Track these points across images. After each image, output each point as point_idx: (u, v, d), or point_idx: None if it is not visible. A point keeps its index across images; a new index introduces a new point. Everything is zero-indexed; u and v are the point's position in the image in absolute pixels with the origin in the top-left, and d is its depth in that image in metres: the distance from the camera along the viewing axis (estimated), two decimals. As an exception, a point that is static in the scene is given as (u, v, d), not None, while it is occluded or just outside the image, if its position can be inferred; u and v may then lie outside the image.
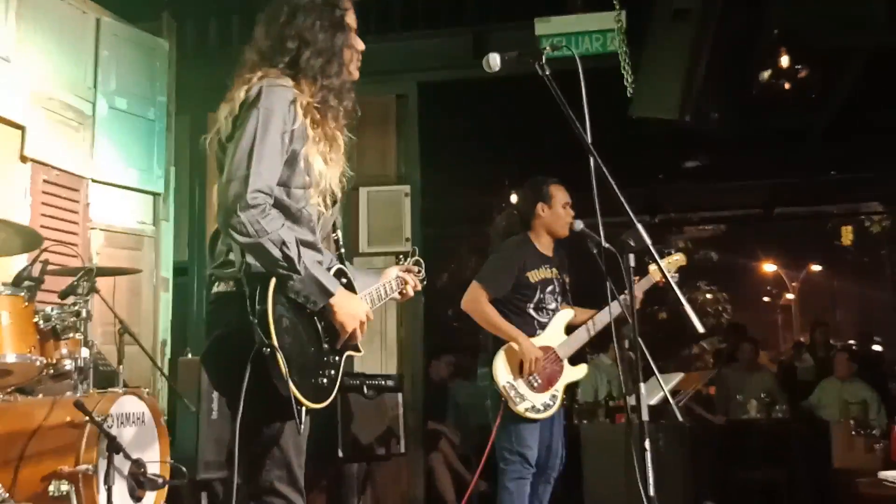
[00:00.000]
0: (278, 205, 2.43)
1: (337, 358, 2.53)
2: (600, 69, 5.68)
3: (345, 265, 2.68)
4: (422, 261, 3.02)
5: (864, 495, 4.22)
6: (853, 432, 6.30)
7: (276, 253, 2.33)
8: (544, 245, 4.56)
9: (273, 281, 2.35)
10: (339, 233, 2.75)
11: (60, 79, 6.04)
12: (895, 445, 5.16)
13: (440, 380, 7.79)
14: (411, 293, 2.89)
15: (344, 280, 2.61)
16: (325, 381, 2.47)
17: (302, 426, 2.40)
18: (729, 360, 8.78)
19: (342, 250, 2.74)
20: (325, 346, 2.49)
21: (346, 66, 2.60)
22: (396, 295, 2.86)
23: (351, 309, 2.49)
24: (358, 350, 2.60)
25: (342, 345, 2.53)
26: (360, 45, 2.66)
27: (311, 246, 2.49)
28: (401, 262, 2.96)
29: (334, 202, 2.63)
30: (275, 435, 2.43)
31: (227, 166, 2.41)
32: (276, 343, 2.29)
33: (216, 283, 2.50)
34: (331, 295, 2.43)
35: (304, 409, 2.38)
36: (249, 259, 2.37)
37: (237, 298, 2.37)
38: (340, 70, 2.57)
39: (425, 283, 3.02)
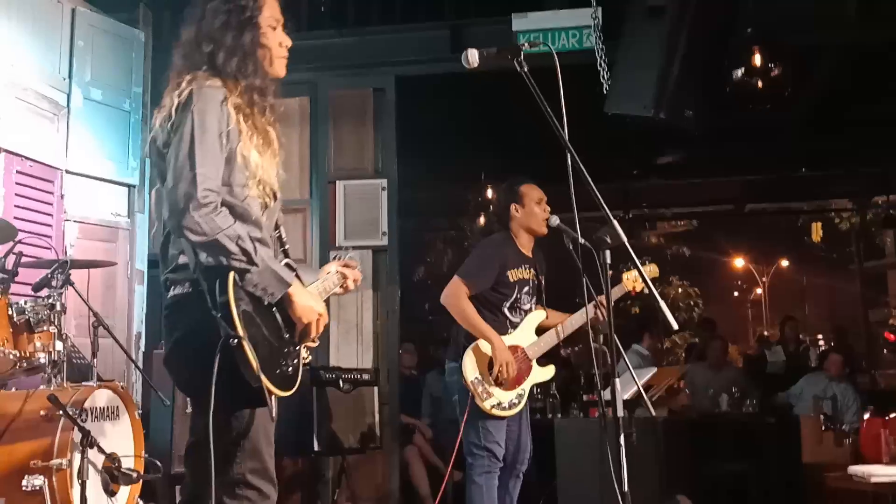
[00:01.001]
0: (224, 203, 2.45)
1: (297, 348, 2.57)
2: (576, 65, 5.69)
3: (292, 263, 2.71)
4: (356, 255, 3.10)
5: (834, 489, 4.27)
6: (822, 427, 6.36)
7: (233, 247, 2.36)
8: (524, 244, 4.56)
9: (232, 274, 2.36)
10: (283, 230, 2.77)
11: (35, 68, 5.96)
12: (864, 440, 5.22)
13: (408, 370, 7.78)
14: (352, 286, 2.92)
15: (295, 274, 2.64)
16: (289, 369, 2.50)
17: (274, 412, 2.43)
18: (700, 356, 8.85)
19: (286, 246, 2.77)
20: (286, 336, 2.53)
21: (263, 64, 2.60)
22: (338, 290, 2.89)
23: (308, 301, 2.53)
24: (314, 342, 2.63)
25: (300, 336, 2.56)
26: (277, 41, 2.66)
27: (261, 242, 2.50)
28: (338, 258, 2.98)
29: (275, 197, 2.65)
30: (244, 427, 2.45)
31: (170, 171, 2.43)
32: (242, 333, 2.30)
33: (172, 288, 2.49)
34: (288, 286, 2.46)
35: (273, 397, 2.40)
36: (202, 257, 2.38)
37: (194, 299, 2.39)
38: (257, 68, 2.58)
39: (362, 275, 3.04)
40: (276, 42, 2.64)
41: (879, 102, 7.94)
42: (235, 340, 2.28)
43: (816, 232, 19.35)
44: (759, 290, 26.58)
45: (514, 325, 4.48)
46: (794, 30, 6.15)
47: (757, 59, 5.54)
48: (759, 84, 5.57)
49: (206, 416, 2.31)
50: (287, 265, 2.62)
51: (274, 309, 2.49)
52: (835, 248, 20.79)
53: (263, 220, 2.57)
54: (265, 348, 2.40)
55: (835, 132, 8.86)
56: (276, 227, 2.73)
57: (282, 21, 2.66)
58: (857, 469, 3.60)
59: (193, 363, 2.38)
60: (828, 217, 18.10)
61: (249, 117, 2.53)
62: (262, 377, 2.32)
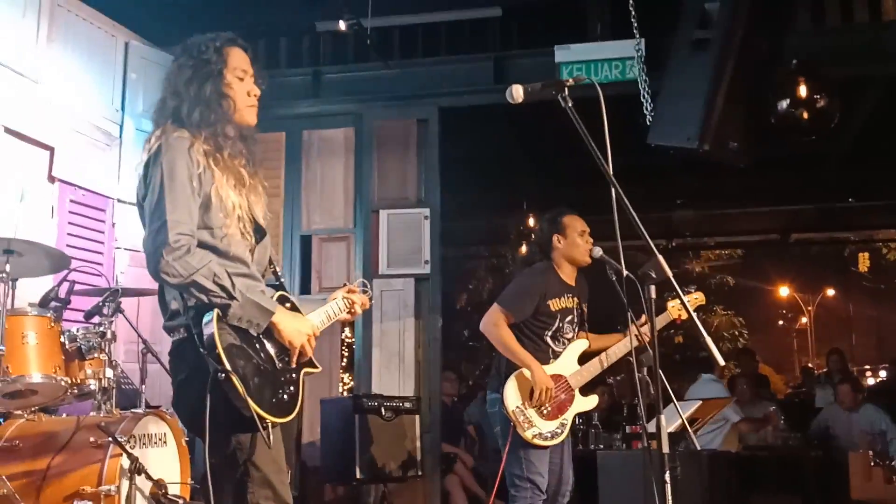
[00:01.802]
0: (206, 246, 2.52)
1: (294, 375, 2.61)
2: (619, 96, 5.68)
3: (287, 294, 2.76)
4: (367, 282, 3.14)
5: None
6: (871, 463, 6.20)
7: (210, 285, 2.43)
8: (566, 274, 4.54)
9: (215, 311, 2.43)
10: (277, 266, 2.85)
11: (89, 100, 6.11)
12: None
13: (450, 398, 7.75)
14: (359, 311, 2.98)
15: (288, 304, 2.71)
16: (286, 397, 2.54)
17: (271, 439, 2.46)
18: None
19: (282, 280, 2.84)
20: (280, 364, 2.57)
21: (227, 113, 2.66)
22: (346, 315, 2.94)
23: (294, 325, 2.58)
24: (315, 366, 2.68)
25: (297, 362, 2.61)
26: (244, 91, 2.71)
27: (247, 276, 2.58)
28: (346, 285, 3.02)
29: (262, 235, 2.71)
30: (249, 457, 2.49)
31: (146, 221, 2.52)
32: (228, 367, 2.36)
33: (171, 335, 2.58)
34: (271, 314, 2.52)
35: (269, 424, 2.44)
36: (190, 301, 2.47)
37: (190, 342, 2.47)
38: (220, 117, 2.64)
39: (373, 301, 3.13)
40: (244, 92, 2.71)
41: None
42: (223, 374, 2.35)
43: (863, 262, 19.07)
44: (804, 320, 26.11)
45: (557, 354, 4.45)
46: (839, 61, 6.10)
47: (802, 91, 5.47)
48: (805, 115, 5.49)
49: (211, 450, 2.41)
50: (281, 297, 2.69)
51: (265, 339, 2.54)
52: (882, 279, 20.42)
53: (250, 256, 2.65)
54: (258, 378, 2.45)
55: (881, 162, 8.74)
56: (270, 262, 2.80)
57: (250, 72, 2.74)
58: (907, 507, 3.50)
59: (195, 403, 2.44)
60: (874, 247, 17.80)
61: (220, 161, 2.60)
62: (253, 406, 2.37)
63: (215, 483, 2.50)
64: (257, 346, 2.52)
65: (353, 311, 2.95)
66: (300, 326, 2.60)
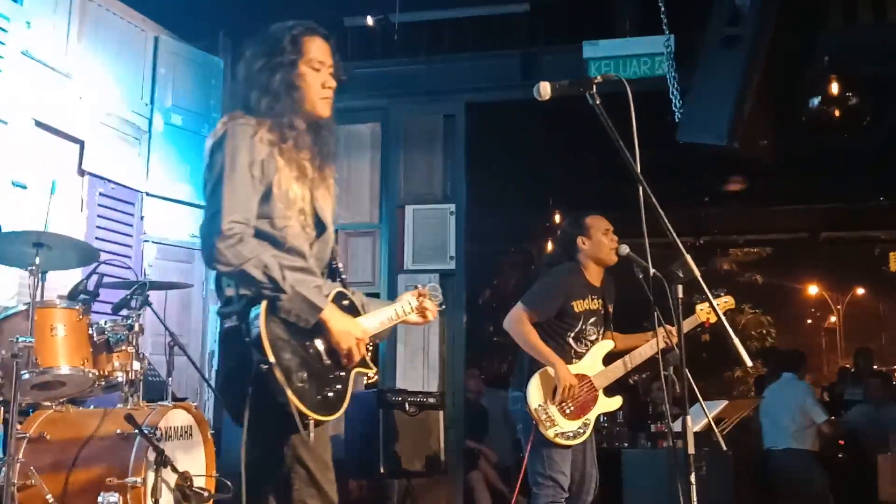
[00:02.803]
0: (264, 236, 2.50)
1: (343, 374, 2.55)
2: (647, 92, 5.64)
3: (347, 290, 2.72)
4: (438, 287, 2.99)
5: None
6: (902, 465, 6.13)
7: (259, 275, 2.40)
8: (592, 274, 4.51)
9: (264, 303, 2.40)
10: (339, 262, 2.80)
11: (118, 95, 6.16)
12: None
13: (474, 395, 7.74)
14: (430, 317, 2.90)
15: (346, 302, 2.66)
16: (331, 395, 2.49)
17: (311, 437, 2.42)
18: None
19: (343, 277, 2.79)
20: (328, 361, 2.52)
21: (297, 104, 2.64)
22: (413, 317, 2.87)
23: (344, 326, 2.52)
24: (368, 367, 2.63)
25: (346, 362, 2.55)
26: (319, 83, 2.69)
27: (303, 271, 2.54)
28: (417, 287, 2.95)
29: (324, 230, 2.68)
30: (294, 453, 2.46)
31: (205, 207, 2.53)
32: (272, 359, 2.33)
33: (224, 321, 2.56)
34: (319, 310, 2.46)
35: (311, 421, 2.40)
36: (242, 290, 2.45)
37: (240, 331, 2.45)
38: (289, 108, 2.62)
39: (443, 307, 3.01)
40: (318, 83, 2.68)
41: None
42: (266, 366, 2.33)
43: (894, 261, 18.82)
44: (833, 319, 25.85)
45: (579, 355, 4.42)
46: (871, 59, 6.01)
47: (834, 88, 5.42)
48: (836, 113, 5.44)
49: (249, 443, 2.40)
50: (339, 294, 2.64)
51: (315, 335, 2.50)
52: (912, 278, 20.14)
53: (310, 249, 2.61)
54: (303, 373, 2.42)
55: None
56: (334, 256, 2.76)
57: (328, 63, 2.72)
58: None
59: (239, 393, 2.43)
60: (906, 246, 17.55)
61: (284, 151, 2.58)
62: (294, 401, 2.34)
63: (249, 478, 2.47)
64: (307, 341, 2.48)
65: (424, 314, 2.88)
66: (350, 328, 2.54)
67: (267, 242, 2.50)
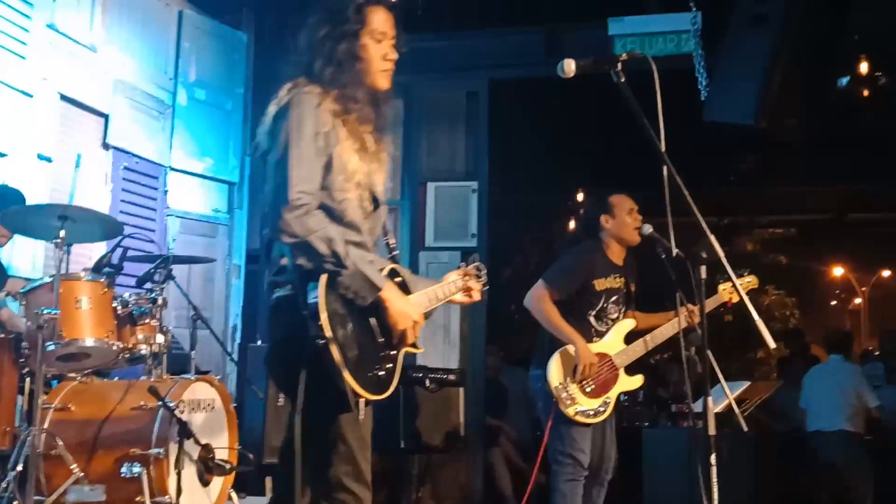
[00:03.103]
0: (323, 208, 2.47)
1: (394, 353, 2.52)
2: (673, 70, 5.58)
3: (398, 266, 2.68)
4: (483, 266, 2.95)
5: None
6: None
7: (324, 249, 2.37)
8: (615, 253, 4.49)
9: (324, 277, 2.37)
10: (391, 236, 2.76)
11: (143, 69, 6.18)
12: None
13: (494, 372, 7.75)
14: (477, 297, 2.87)
15: (398, 279, 2.61)
16: (382, 373, 2.46)
17: (361, 415, 2.40)
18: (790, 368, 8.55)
19: (395, 252, 2.74)
20: (381, 340, 2.48)
21: (359, 75, 2.60)
22: (458, 297, 2.84)
23: (401, 306, 2.49)
24: (417, 347, 2.58)
25: (397, 341, 2.52)
26: (381, 54, 2.64)
27: (359, 245, 2.51)
28: (465, 264, 2.91)
29: (377, 205, 2.64)
30: (338, 430, 2.43)
31: (270, 176, 2.48)
32: (329, 335, 2.30)
33: (275, 290, 2.52)
34: (378, 290, 2.43)
35: (362, 400, 2.38)
36: (299, 260, 2.40)
37: (294, 301, 2.41)
38: (352, 79, 2.57)
39: (487, 287, 2.95)
40: (380, 55, 2.63)
41: None
42: (322, 342, 2.30)
43: (921, 243, 18.58)
44: (858, 301, 25.61)
45: (600, 334, 4.41)
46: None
47: (864, 68, 5.35)
48: (866, 93, 5.37)
49: (296, 420, 2.35)
50: (392, 270, 2.61)
51: (369, 313, 2.46)
52: (940, 260, 19.91)
53: (365, 224, 2.58)
54: (357, 351, 2.38)
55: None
56: (385, 232, 2.72)
57: (391, 35, 2.66)
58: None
59: (290, 364, 2.40)
60: (934, 228, 17.33)
61: (347, 122, 2.54)
62: (350, 379, 2.32)
63: (295, 451, 2.41)
64: (362, 319, 2.44)
65: (470, 295, 2.85)
66: (409, 309, 2.51)
67: (327, 215, 2.46)
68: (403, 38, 2.72)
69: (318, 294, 2.34)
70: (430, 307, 2.71)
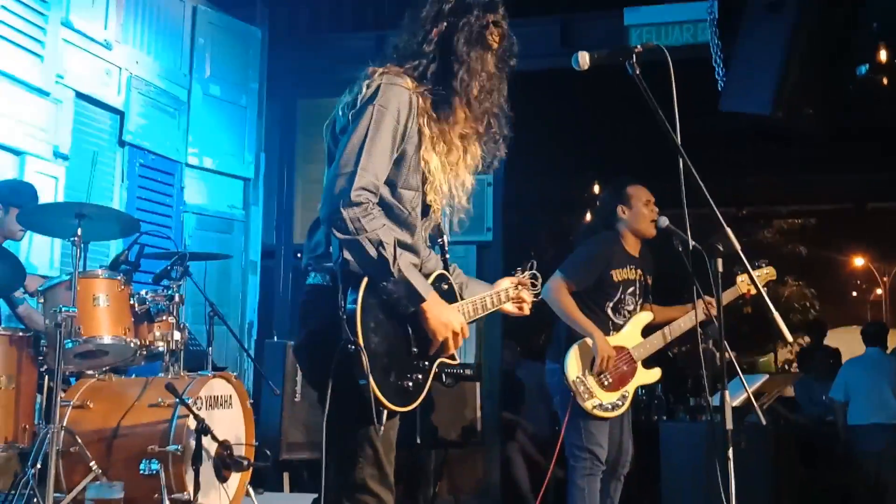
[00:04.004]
0: (382, 203, 2.40)
1: (427, 363, 2.46)
2: (690, 60, 5.55)
3: (448, 270, 2.62)
4: (538, 275, 2.85)
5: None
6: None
7: (373, 252, 2.29)
8: (631, 245, 4.48)
9: (365, 280, 2.32)
10: (446, 238, 2.67)
11: (158, 65, 6.20)
12: None
13: (510, 367, 7.75)
14: (527, 311, 2.79)
15: (445, 286, 2.55)
16: (410, 384, 2.40)
17: (381, 428, 2.33)
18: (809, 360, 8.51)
19: (447, 255, 2.67)
20: (415, 349, 2.43)
21: (465, 84, 2.48)
22: (508, 307, 2.76)
23: (443, 317, 2.41)
24: (453, 358, 2.51)
25: (434, 352, 2.45)
26: (490, 68, 2.55)
27: (407, 249, 2.45)
28: (515, 274, 2.83)
29: (444, 207, 2.57)
30: (366, 433, 2.38)
31: (336, 159, 2.39)
32: (361, 342, 2.26)
33: (312, 275, 2.47)
34: (422, 300, 2.37)
35: (385, 411, 2.32)
36: (346, 255, 2.33)
37: (331, 293, 2.33)
38: (466, 86, 2.48)
39: (539, 297, 2.86)
40: (488, 67, 2.54)
41: None
42: (353, 347, 2.25)
43: (943, 232, 18.43)
44: (879, 291, 25.43)
45: (617, 327, 4.40)
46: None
47: (882, 55, 5.29)
48: (885, 81, 5.32)
49: (324, 418, 2.31)
50: (439, 276, 2.55)
51: (407, 320, 2.40)
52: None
53: (420, 225, 2.52)
54: (387, 359, 2.33)
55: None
56: (440, 234, 2.65)
57: (497, 47, 2.58)
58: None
59: (319, 359, 2.35)
60: (955, 217, 17.17)
61: (435, 122, 2.47)
62: (376, 390, 2.26)
63: (332, 448, 2.37)
64: (400, 326, 2.39)
65: (521, 307, 2.78)
66: (449, 320, 2.42)
67: (385, 213, 2.39)
68: (514, 46, 2.64)
69: (358, 299, 2.29)
70: (475, 316, 2.63)
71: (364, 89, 2.42)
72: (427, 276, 2.51)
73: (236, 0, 6.92)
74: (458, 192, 2.57)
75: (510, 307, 2.77)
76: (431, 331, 2.40)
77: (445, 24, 2.50)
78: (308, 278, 2.48)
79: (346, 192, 2.30)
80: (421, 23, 2.52)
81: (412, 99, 2.43)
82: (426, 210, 2.52)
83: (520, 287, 2.77)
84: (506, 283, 2.77)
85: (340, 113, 2.47)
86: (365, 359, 2.26)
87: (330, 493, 2.39)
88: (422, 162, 2.45)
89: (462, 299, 2.62)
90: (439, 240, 2.65)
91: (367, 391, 2.26)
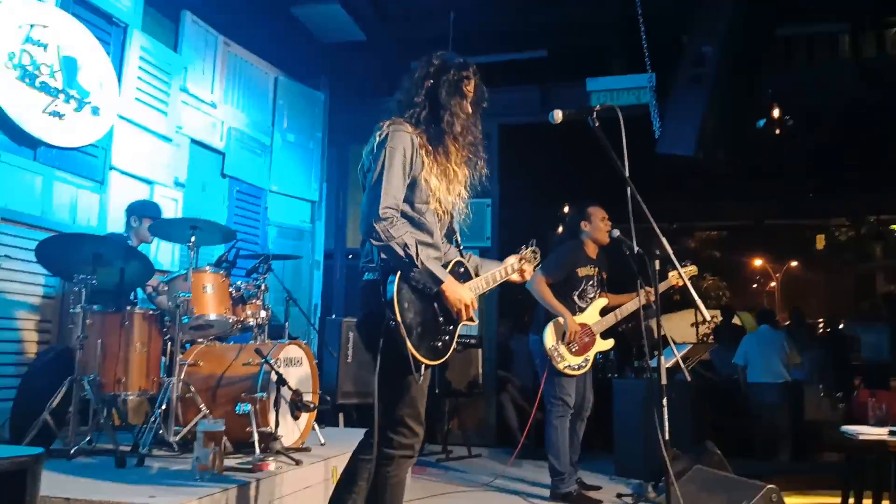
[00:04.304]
0: (406, 216, 2.41)
1: (452, 327, 2.45)
2: (635, 116, 5.53)
3: (463, 258, 2.62)
4: (538, 249, 2.77)
5: (829, 444, 4.02)
6: (822, 394, 6.01)
7: (400, 252, 2.31)
8: (591, 249, 4.48)
9: (399, 273, 2.33)
10: (458, 235, 2.67)
11: (249, 119, 6.24)
12: (855, 406, 4.88)
13: (503, 338, 7.73)
14: (527, 276, 2.76)
15: (461, 269, 2.54)
16: (440, 344, 2.40)
17: (420, 378, 2.36)
18: (721, 334, 8.45)
19: (461, 247, 2.67)
20: (441, 318, 2.42)
21: (448, 123, 2.48)
22: (515, 276, 2.71)
23: (458, 294, 2.40)
24: (472, 320, 2.50)
25: (455, 319, 2.45)
26: (467, 111, 2.55)
27: (430, 246, 2.45)
28: (520, 251, 2.80)
29: (450, 215, 2.57)
30: (406, 384, 2.40)
31: (366, 190, 2.42)
32: (398, 318, 2.28)
33: (366, 273, 2.47)
34: (440, 283, 2.37)
35: (423, 365, 2.35)
36: (383, 255, 2.35)
37: (378, 285, 2.37)
38: (441, 125, 2.48)
39: (539, 263, 2.83)
40: (464, 110, 2.53)
41: (870, 154, 7.44)
42: (393, 323, 2.27)
43: (819, 242, 18.33)
44: (773, 285, 25.23)
45: (581, 309, 4.39)
46: (803, 91, 5.82)
47: (776, 112, 5.26)
48: (777, 132, 5.28)
49: (375, 375, 2.32)
50: (457, 262, 2.54)
51: (433, 298, 2.40)
52: (833, 255, 19.61)
53: (438, 229, 2.50)
54: (421, 328, 2.34)
55: (835, 170, 8.36)
56: (453, 232, 2.65)
57: (472, 96, 2.56)
58: (847, 428, 3.37)
59: (373, 333, 2.36)
60: (829, 231, 17.06)
61: (431, 153, 2.46)
62: (411, 349, 2.28)
63: (374, 400, 2.39)
64: (428, 303, 2.38)
65: (522, 275, 2.76)
66: (462, 295, 2.40)
67: (406, 221, 2.41)
68: (484, 94, 2.61)
69: (394, 287, 2.30)
70: (487, 288, 2.61)
71: (378, 137, 2.44)
72: (447, 264, 2.50)
73: (306, 73, 6.96)
74: (458, 202, 2.58)
75: (516, 276, 2.73)
76: (450, 304, 2.41)
77: (432, 81, 2.49)
78: (364, 276, 2.48)
79: (376, 212, 2.31)
80: (414, 82, 2.52)
81: (413, 139, 2.43)
82: (440, 217, 2.52)
83: (522, 261, 2.74)
84: (512, 259, 2.75)
85: (364, 157, 2.49)
86: (402, 330, 2.27)
87: (380, 427, 2.40)
88: (426, 183, 2.45)
89: (477, 276, 2.61)
90: (454, 237, 2.65)
91: (406, 351, 2.28)
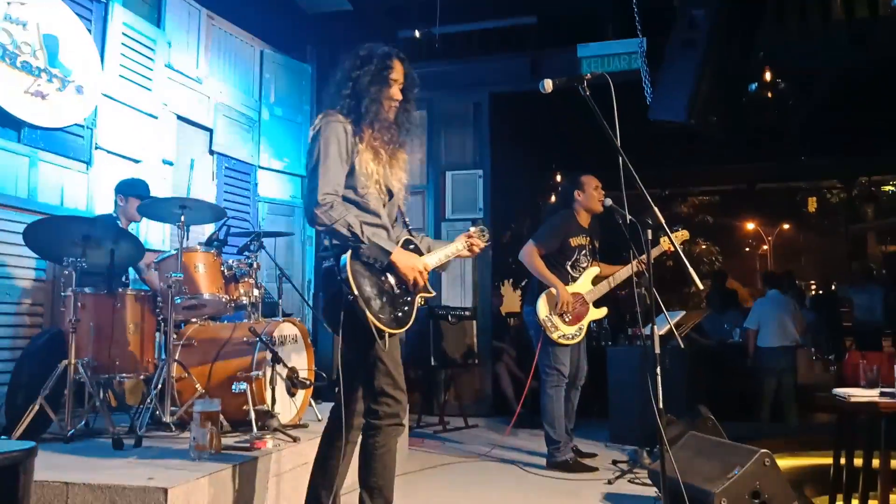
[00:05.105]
0: (350, 201, 2.50)
1: (409, 298, 2.54)
2: (627, 82, 5.47)
3: (414, 237, 2.68)
4: (486, 228, 2.90)
5: (820, 406, 4.08)
6: (813, 357, 6.06)
7: (345, 231, 2.41)
8: (583, 219, 4.46)
9: (349, 251, 2.42)
10: (406, 217, 2.75)
11: (236, 94, 6.16)
12: (847, 368, 4.93)
13: (497, 309, 7.75)
14: (477, 250, 2.82)
15: (411, 246, 2.62)
16: (400, 314, 2.49)
17: (386, 345, 2.45)
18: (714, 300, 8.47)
19: (409, 227, 2.74)
20: (398, 290, 2.51)
21: (377, 109, 2.54)
22: (465, 252, 2.80)
23: (409, 262, 2.51)
24: (429, 292, 2.60)
25: (413, 289, 2.54)
26: (396, 97, 2.60)
27: (378, 227, 2.54)
28: (469, 231, 2.86)
29: (392, 196, 2.63)
30: (376, 355, 2.47)
31: (307, 183, 2.51)
32: (355, 292, 2.37)
33: (323, 262, 2.56)
34: (389, 253, 2.48)
35: (387, 334, 2.44)
36: (333, 240, 2.47)
37: (335, 271, 2.46)
38: (371, 111, 2.53)
39: (489, 242, 2.90)
40: (390, 95, 2.60)
41: (861, 117, 7.41)
42: (351, 297, 2.36)
43: (812, 204, 18.39)
44: (765, 247, 25.34)
45: (574, 279, 4.39)
46: (796, 54, 5.77)
47: (767, 76, 5.21)
48: (769, 95, 5.24)
49: (344, 349, 2.45)
50: (406, 241, 2.62)
51: (388, 272, 2.50)
52: (826, 218, 19.69)
53: (383, 210, 2.59)
54: (379, 299, 2.43)
55: (827, 133, 8.33)
56: (402, 213, 2.72)
57: (400, 81, 2.61)
58: (839, 391, 3.41)
59: (335, 313, 2.46)
60: (821, 193, 17.11)
61: (364, 140, 2.53)
62: (374, 321, 2.37)
63: (345, 372, 2.57)
64: (382, 276, 2.48)
65: (472, 249, 2.81)
66: (413, 263, 2.52)
67: (352, 206, 2.49)
68: (415, 80, 2.66)
69: (346, 264, 2.39)
70: (440, 262, 2.70)
71: (312, 132, 2.54)
72: (396, 241, 2.59)
73: (292, 45, 6.85)
74: (397, 185, 2.64)
75: (466, 252, 2.79)
76: (403, 273, 2.51)
77: (358, 72, 2.57)
78: (321, 265, 2.57)
79: (315, 199, 2.42)
80: (344, 75, 2.59)
81: (346, 127, 2.52)
82: (384, 199, 2.60)
83: (470, 238, 2.79)
84: (462, 237, 2.80)
85: (307, 154, 2.56)
86: (361, 302, 2.37)
87: (345, 403, 2.57)
88: (364, 168, 2.52)
89: (429, 253, 2.69)
90: (403, 217, 2.73)
91: (367, 322, 2.38)
